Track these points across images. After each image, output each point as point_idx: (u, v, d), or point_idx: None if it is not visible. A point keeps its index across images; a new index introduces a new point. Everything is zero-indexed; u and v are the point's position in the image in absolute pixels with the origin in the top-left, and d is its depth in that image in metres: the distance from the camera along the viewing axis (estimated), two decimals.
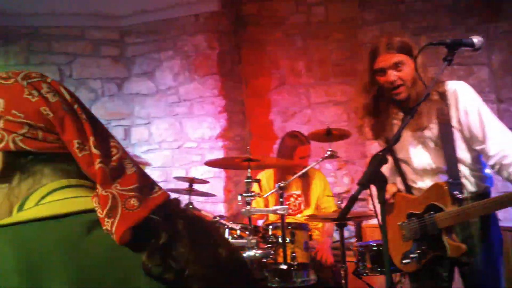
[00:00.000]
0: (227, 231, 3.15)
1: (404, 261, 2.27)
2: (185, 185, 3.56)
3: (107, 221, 0.78)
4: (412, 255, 2.23)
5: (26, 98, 0.85)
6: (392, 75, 2.13)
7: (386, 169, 2.07)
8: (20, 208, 0.85)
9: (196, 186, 3.60)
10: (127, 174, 0.84)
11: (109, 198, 0.80)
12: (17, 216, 0.82)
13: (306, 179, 3.62)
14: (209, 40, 4.75)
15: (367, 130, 2.36)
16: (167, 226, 0.82)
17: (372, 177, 1.70)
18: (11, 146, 0.83)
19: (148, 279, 0.78)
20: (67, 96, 0.89)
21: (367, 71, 2.24)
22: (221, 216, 3.27)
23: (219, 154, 4.71)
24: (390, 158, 2.28)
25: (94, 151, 0.83)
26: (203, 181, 3.63)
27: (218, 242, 0.90)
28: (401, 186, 2.37)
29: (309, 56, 4.87)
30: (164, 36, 4.88)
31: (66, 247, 0.77)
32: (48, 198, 0.84)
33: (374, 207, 1.84)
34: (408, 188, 2.32)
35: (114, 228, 0.78)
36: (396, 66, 2.13)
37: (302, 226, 3.16)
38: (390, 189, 2.35)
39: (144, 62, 4.98)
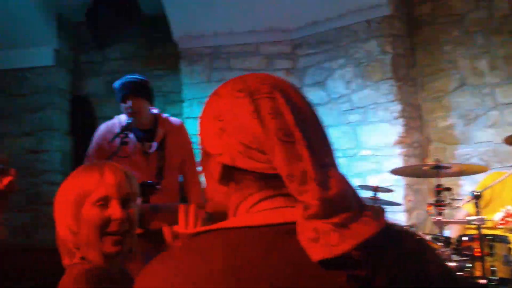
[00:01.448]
0: None
1: None
2: (368, 193, 3.51)
3: (305, 244, 0.78)
4: None
5: (246, 117, 0.87)
6: None
7: None
8: (234, 214, 0.91)
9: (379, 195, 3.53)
10: (329, 201, 0.80)
11: (310, 225, 0.79)
12: (230, 222, 0.88)
13: None
14: (382, 45, 4.66)
15: None
16: (371, 261, 0.79)
17: None
18: (228, 161, 0.88)
19: None
20: (290, 118, 0.86)
21: None
22: (410, 226, 3.16)
23: (396, 162, 4.57)
24: None
25: (304, 182, 0.82)
26: (388, 190, 3.54)
27: (428, 258, 0.86)
28: None
29: (493, 53, 4.52)
30: (335, 45, 4.90)
31: (274, 256, 0.79)
32: (256, 207, 0.87)
33: None
34: None
35: (309, 252, 0.78)
36: None
37: (501, 238, 2.93)
38: None
39: (316, 72, 5.05)
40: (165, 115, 3.60)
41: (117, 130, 3.33)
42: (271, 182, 0.87)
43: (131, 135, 3.25)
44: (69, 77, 5.54)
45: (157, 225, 3.39)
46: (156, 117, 3.44)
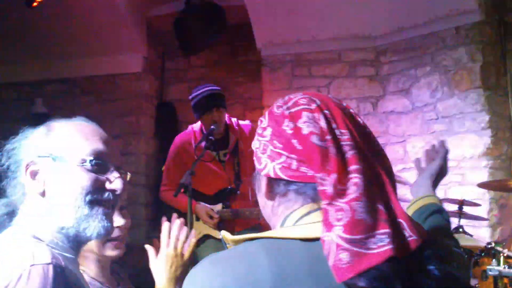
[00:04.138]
0: (502, 259, 2.88)
1: None
2: (453, 207, 3.38)
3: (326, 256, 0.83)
4: None
5: (283, 129, 0.92)
6: None
7: None
8: (282, 225, 0.95)
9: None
10: (355, 220, 0.81)
11: (325, 244, 0.82)
12: (277, 232, 0.91)
13: None
14: (471, 52, 4.47)
15: None
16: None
17: None
18: (271, 173, 0.93)
19: None
20: (325, 127, 0.90)
21: None
22: (495, 243, 3.01)
23: (481, 174, 4.36)
24: None
25: (328, 188, 0.85)
26: (474, 204, 3.39)
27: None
28: None
29: None
30: (421, 52, 4.76)
31: (314, 269, 0.82)
32: (302, 221, 0.91)
33: None
34: None
35: (330, 264, 0.81)
36: None
37: None
38: None
39: (400, 79, 4.93)
40: (234, 119, 3.69)
41: (192, 139, 3.46)
42: (312, 195, 0.91)
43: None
44: (155, 83, 5.78)
45: (238, 229, 3.49)
46: (227, 123, 3.52)
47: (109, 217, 1.22)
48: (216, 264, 0.87)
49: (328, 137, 0.88)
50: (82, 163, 1.19)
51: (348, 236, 0.79)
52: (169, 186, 3.44)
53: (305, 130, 0.89)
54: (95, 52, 5.35)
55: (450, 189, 4.57)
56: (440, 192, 4.58)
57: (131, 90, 5.46)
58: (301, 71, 5.13)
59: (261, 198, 0.99)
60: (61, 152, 1.20)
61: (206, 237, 3.40)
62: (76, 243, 1.21)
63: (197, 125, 3.54)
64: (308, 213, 0.91)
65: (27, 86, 5.61)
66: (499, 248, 2.88)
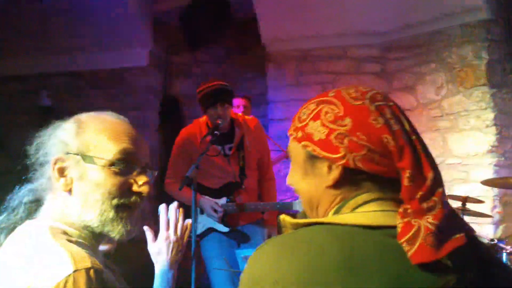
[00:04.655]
0: (504, 255, 2.89)
1: None
2: (456, 203, 3.39)
3: (405, 246, 0.84)
4: None
5: (371, 123, 0.92)
6: None
7: None
8: (336, 212, 0.95)
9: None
10: (439, 210, 0.87)
11: (413, 228, 0.85)
12: (338, 218, 0.92)
13: None
14: (477, 50, 4.46)
15: None
16: (457, 272, 0.84)
17: None
18: (351, 163, 0.92)
19: None
20: (406, 125, 0.94)
21: None
22: (498, 240, 3.02)
23: (485, 172, 4.37)
24: None
25: (426, 183, 0.89)
26: (478, 201, 3.40)
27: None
28: None
29: None
30: (427, 49, 4.76)
31: (383, 256, 0.84)
32: (362, 208, 0.93)
33: None
34: None
35: (409, 255, 0.83)
36: None
37: None
38: None
39: (405, 76, 4.93)
40: (239, 114, 3.70)
41: (198, 132, 3.47)
42: (384, 186, 0.93)
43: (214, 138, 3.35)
44: (161, 77, 5.80)
45: (242, 223, 3.50)
46: (232, 118, 3.53)
47: (133, 220, 1.23)
48: (282, 248, 0.87)
49: (413, 136, 0.93)
50: (110, 165, 1.19)
51: (436, 223, 0.85)
52: (174, 178, 3.46)
53: (394, 126, 0.92)
54: (101, 46, 5.37)
55: (454, 186, 4.57)
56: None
57: (136, 84, 5.48)
58: (307, 67, 5.13)
59: (316, 185, 0.99)
60: (89, 152, 1.20)
61: (210, 230, 3.41)
62: (99, 240, 1.24)
63: (203, 119, 3.55)
64: (373, 200, 0.93)
65: (32, 79, 5.63)
66: (502, 245, 2.89)
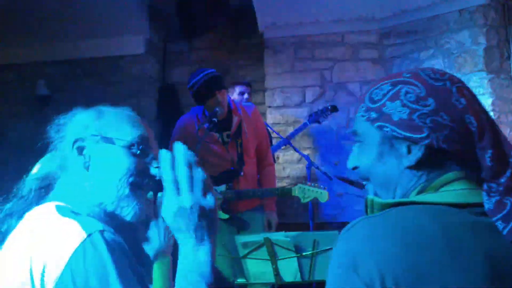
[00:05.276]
0: None
1: None
2: None
3: (500, 224, 0.85)
4: None
5: (453, 103, 0.94)
6: None
7: None
8: (420, 192, 0.96)
9: None
10: None
11: (507, 206, 0.86)
12: (425, 198, 0.93)
13: None
14: (475, 36, 4.45)
15: None
16: None
17: None
18: (434, 143, 0.93)
19: None
20: (482, 106, 0.97)
21: None
22: None
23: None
24: None
25: (503, 164, 0.91)
26: None
27: None
28: None
29: None
30: (425, 35, 4.74)
31: (477, 233, 0.86)
32: (447, 187, 0.94)
33: None
34: None
35: (505, 232, 0.85)
36: None
37: None
38: None
39: (403, 62, 4.92)
40: (236, 101, 3.68)
41: (195, 120, 3.47)
42: (465, 165, 0.95)
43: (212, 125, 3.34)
44: (158, 65, 5.77)
45: (241, 210, 3.51)
46: (229, 105, 3.52)
47: (143, 201, 1.28)
48: (378, 227, 0.87)
49: (487, 113, 0.96)
50: (130, 146, 1.27)
51: None
52: None
53: (475, 107, 0.94)
54: (97, 34, 5.33)
55: None
56: None
57: (133, 73, 5.45)
58: (304, 54, 5.11)
59: (389, 164, 0.98)
60: (110, 134, 1.28)
61: None
62: (111, 220, 1.25)
63: (199, 107, 3.55)
64: (455, 180, 0.94)
65: (28, 67, 5.59)
66: None
